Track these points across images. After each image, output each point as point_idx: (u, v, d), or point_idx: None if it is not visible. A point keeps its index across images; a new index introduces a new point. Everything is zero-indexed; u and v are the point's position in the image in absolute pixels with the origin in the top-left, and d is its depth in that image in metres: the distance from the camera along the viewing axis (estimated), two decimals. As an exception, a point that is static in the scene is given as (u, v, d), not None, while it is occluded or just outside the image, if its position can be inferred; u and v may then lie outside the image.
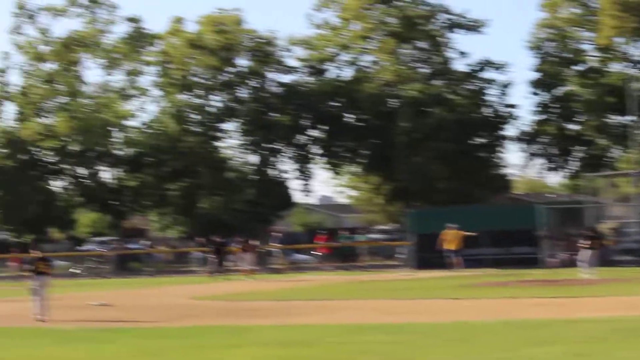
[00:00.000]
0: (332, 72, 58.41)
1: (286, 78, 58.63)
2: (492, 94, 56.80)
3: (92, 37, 58.86)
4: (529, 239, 38.17)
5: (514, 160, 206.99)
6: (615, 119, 54.28)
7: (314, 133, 58.26)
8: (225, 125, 58.98)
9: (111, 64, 59.18)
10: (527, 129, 57.68)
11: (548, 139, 56.90)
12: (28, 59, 59.95)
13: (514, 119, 57.16)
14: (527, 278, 29.33)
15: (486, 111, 56.39)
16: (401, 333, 14.85)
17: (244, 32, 57.11)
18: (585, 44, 56.21)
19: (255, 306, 23.23)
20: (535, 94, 56.94)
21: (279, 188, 58.79)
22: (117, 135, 59.43)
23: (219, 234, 44.72)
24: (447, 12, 55.96)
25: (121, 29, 60.31)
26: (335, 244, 47.93)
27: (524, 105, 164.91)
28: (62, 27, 66.55)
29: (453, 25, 56.17)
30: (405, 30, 54.85)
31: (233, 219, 55.70)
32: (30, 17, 59.00)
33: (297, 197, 62.55)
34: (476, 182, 53.82)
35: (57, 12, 58.85)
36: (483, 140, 56.42)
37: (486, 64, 56.46)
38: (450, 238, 36.21)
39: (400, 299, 23.17)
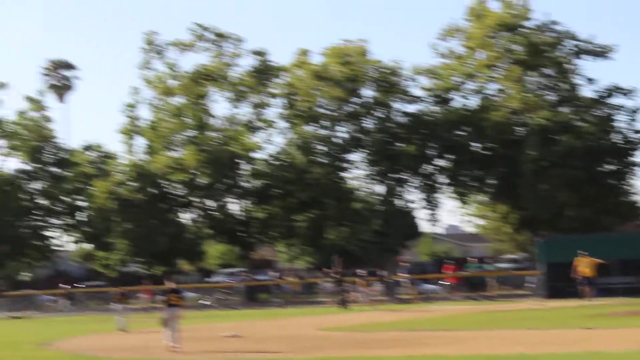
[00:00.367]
0: (458, 101, 60.72)
1: (411, 108, 61.15)
2: (620, 120, 57.97)
3: (219, 71, 62.16)
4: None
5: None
6: None
7: (440, 162, 60.65)
8: (351, 156, 61.54)
9: (238, 97, 62.38)
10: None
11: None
12: (157, 93, 63.71)
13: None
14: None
15: (615, 137, 57.74)
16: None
17: (369, 62, 59.94)
18: None
19: (383, 337, 23.85)
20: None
21: (406, 218, 61.35)
22: (245, 168, 62.51)
23: (344, 264, 46.89)
24: (573, 38, 57.81)
25: (247, 62, 63.15)
26: (463, 273, 49.51)
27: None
28: (190, 62, 70.83)
29: (580, 52, 57.97)
30: (531, 57, 56.97)
31: (360, 250, 58.42)
32: (159, 52, 63.00)
33: (424, 226, 65.17)
34: (604, 209, 55.51)
35: (185, 47, 62.54)
36: (612, 167, 57.73)
37: (614, 90, 58.00)
38: (584, 265, 37.80)
39: (531, 329, 23.43)
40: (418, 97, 60.73)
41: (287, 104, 61.90)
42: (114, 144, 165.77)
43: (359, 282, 46.50)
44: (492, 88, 60.25)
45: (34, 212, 70.76)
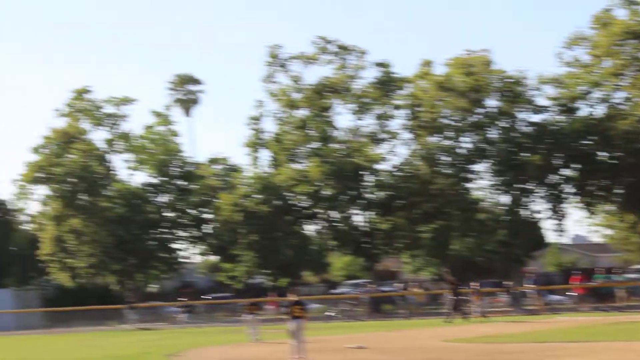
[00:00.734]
0: (584, 109, 61.52)
1: (536, 117, 62.25)
2: None
3: (342, 83, 64.67)
4: None
5: None
6: None
7: (567, 172, 61.89)
8: (476, 167, 63.13)
9: (361, 109, 64.81)
10: None
11: None
12: (281, 106, 66.65)
13: None
14: None
15: None
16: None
17: (492, 72, 61.53)
18: None
19: (510, 349, 24.32)
20: None
21: (531, 228, 63.10)
22: (369, 179, 64.73)
23: (468, 275, 48.96)
24: None
25: (370, 74, 65.39)
26: (591, 284, 49.97)
27: None
28: (313, 74, 73.68)
29: None
30: (659, 64, 57.55)
31: (485, 260, 60.50)
32: (283, 65, 66.03)
33: (550, 237, 66.66)
34: None
35: (308, 59, 65.47)
36: None
37: None
38: None
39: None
40: (543, 107, 61.86)
41: (410, 115, 63.99)
42: (239, 156, 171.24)
43: (473, 294, 47.99)
44: (619, 96, 60.86)
45: (161, 224, 74.91)
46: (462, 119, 62.55)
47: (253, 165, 69.02)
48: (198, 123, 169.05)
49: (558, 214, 62.12)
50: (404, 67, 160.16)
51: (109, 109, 74.98)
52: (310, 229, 69.52)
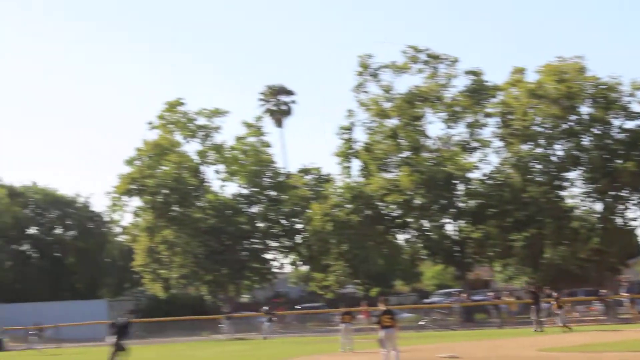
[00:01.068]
0: None
1: (631, 123, 62.18)
2: None
3: (433, 92, 65.49)
4: None
5: None
6: None
7: None
8: (569, 174, 63.38)
9: (452, 117, 65.62)
10: None
11: None
12: (372, 115, 67.71)
13: None
14: None
15: None
16: None
17: (586, 79, 61.65)
18: None
19: (604, 357, 25.54)
20: None
21: (626, 236, 63.00)
22: (460, 188, 65.68)
23: (563, 284, 49.50)
24: None
25: (462, 82, 66.32)
26: None
27: None
28: (404, 83, 74.59)
29: None
30: None
31: (579, 269, 60.84)
32: (374, 75, 67.13)
33: (645, 244, 66.16)
34: None
35: (399, 69, 66.41)
36: None
37: None
38: None
39: None
40: (637, 113, 61.81)
41: (502, 123, 64.56)
42: (329, 166, 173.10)
43: (554, 304, 48.37)
44: None
45: (253, 235, 76.82)
46: (555, 127, 62.76)
47: (344, 174, 70.10)
48: (289, 133, 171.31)
49: (654, 221, 61.87)
50: (495, 74, 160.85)
51: (201, 121, 77.18)
52: (401, 238, 70.38)
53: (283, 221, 76.98)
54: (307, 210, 71.26)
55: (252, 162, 76.69)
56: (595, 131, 62.40)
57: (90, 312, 74.54)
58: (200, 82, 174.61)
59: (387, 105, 67.24)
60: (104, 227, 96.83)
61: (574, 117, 62.71)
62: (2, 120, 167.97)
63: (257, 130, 77.79)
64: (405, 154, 67.41)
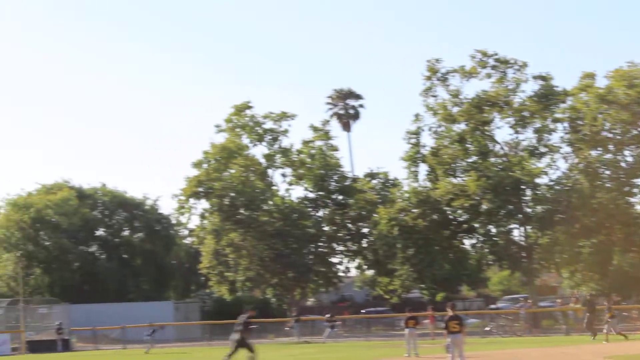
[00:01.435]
0: None
1: None
2: None
3: (501, 96, 65.61)
4: None
5: None
6: None
7: None
8: (638, 180, 63.25)
9: (521, 122, 65.64)
10: None
11: None
12: (439, 120, 68.12)
13: None
14: None
15: None
16: None
17: None
18: None
19: None
20: None
21: None
22: (527, 193, 65.63)
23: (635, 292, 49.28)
24: None
25: (530, 87, 66.63)
26: None
27: None
28: (472, 88, 74.63)
29: None
30: None
31: None
32: (443, 80, 67.40)
33: None
34: None
35: (467, 73, 66.61)
36: None
37: None
38: None
39: None
40: None
41: (570, 128, 64.63)
42: (396, 170, 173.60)
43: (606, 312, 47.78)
44: None
45: (319, 238, 77.81)
46: (624, 132, 62.81)
47: (410, 179, 70.60)
48: (356, 136, 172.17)
49: None
50: (564, 80, 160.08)
51: (268, 124, 78.32)
52: (467, 243, 70.91)
53: (349, 225, 77.75)
54: (374, 215, 71.83)
55: (319, 166, 77.71)
56: (666, 137, 62.02)
57: (156, 313, 75.68)
58: (268, 86, 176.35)
59: (454, 109, 67.53)
60: (171, 230, 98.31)
61: (644, 123, 62.39)
62: (73, 122, 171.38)
63: (324, 134, 78.75)
64: (473, 158, 67.89)
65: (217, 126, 78.61)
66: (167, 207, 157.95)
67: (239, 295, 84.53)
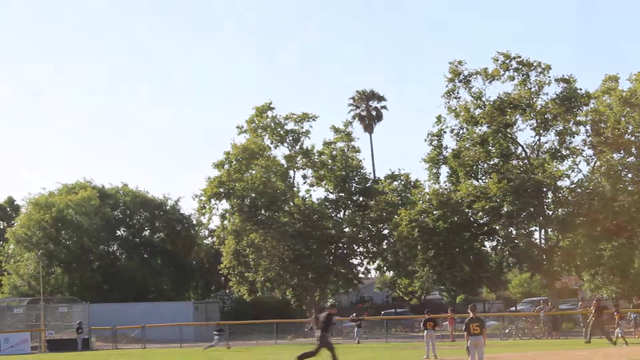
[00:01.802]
0: None
1: None
2: None
3: (524, 99, 65.71)
4: None
5: None
6: None
7: None
8: None
9: (543, 125, 65.66)
10: None
11: None
12: (461, 122, 68.23)
13: None
14: None
15: None
16: None
17: None
18: None
19: None
20: None
21: None
22: (549, 196, 65.67)
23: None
24: None
25: (553, 90, 66.52)
26: None
27: None
28: (494, 90, 74.30)
29: None
30: None
31: None
32: (466, 82, 67.28)
33: None
34: None
35: (490, 75, 66.50)
36: None
37: None
38: None
39: None
40: None
41: (593, 131, 64.64)
42: (417, 172, 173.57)
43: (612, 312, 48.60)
44: None
45: (340, 240, 78.04)
46: (647, 135, 62.64)
47: (432, 180, 70.66)
48: (377, 138, 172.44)
49: None
50: (587, 82, 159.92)
51: (289, 126, 78.79)
52: (488, 245, 70.78)
53: (370, 226, 77.99)
54: (394, 216, 71.86)
55: (340, 167, 77.96)
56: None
57: (176, 313, 76.22)
58: (290, 87, 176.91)
59: (477, 112, 67.68)
60: (192, 230, 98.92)
61: (666, 126, 62.40)
62: (94, 122, 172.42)
63: (345, 135, 78.99)
64: (494, 161, 67.92)
65: (239, 127, 79.12)
66: (188, 207, 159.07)
67: (258, 295, 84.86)
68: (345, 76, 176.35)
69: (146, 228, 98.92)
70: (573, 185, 65.58)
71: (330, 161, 78.50)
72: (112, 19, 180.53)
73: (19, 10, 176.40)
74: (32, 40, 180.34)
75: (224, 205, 79.49)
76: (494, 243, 69.56)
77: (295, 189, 79.80)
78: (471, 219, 68.26)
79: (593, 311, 46.99)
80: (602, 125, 63.92)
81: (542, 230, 67.07)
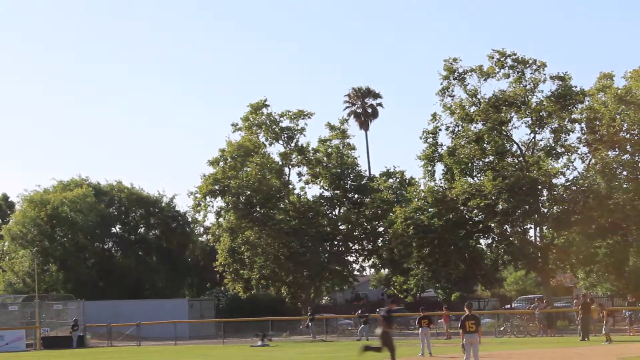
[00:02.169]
0: None
1: None
2: None
3: (519, 96, 65.43)
4: None
5: None
6: None
7: None
8: None
9: (538, 122, 65.50)
10: None
11: None
12: (456, 119, 67.84)
13: None
14: None
15: None
16: None
17: None
18: None
19: None
20: None
21: None
22: (544, 193, 65.68)
23: None
24: None
25: (548, 87, 67.42)
26: None
27: None
28: (489, 88, 74.15)
29: None
30: None
31: None
32: (461, 79, 66.96)
33: None
34: None
35: (485, 73, 66.16)
36: None
37: None
38: None
39: None
40: None
41: (588, 128, 64.62)
42: (412, 169, 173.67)
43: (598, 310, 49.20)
44: None
45: (335, 237, 78.17)
46: (641, 133, 62.62)
47: (427, 178, 70.50)
48: (373, 135, 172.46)
49: None
50: (582, 80, 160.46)
51: (285, 123, 78.62)
52: (482, 243, 70.91)
53: (365, 224, 77.92)
54: (390, 214, 71.88)
55: (335, 165, 78.04)
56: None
57: (171, 310, 76.20)
58: (285, 84, 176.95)
59: (472, 109, 67.49)
60: (187, 227, 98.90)
61: (661, 123, 62.39)
62: (89, 120, 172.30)
63: (341, 133, 79.02)
64: (490, 158, 67.91)
65: (234, 124, 79.06)
66: (183, 204, 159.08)
67: (253, 293, 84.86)
68: (341, 73, 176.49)
69: (141, 225, 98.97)
70: (568, 183, 65.58)
71: (325, 158, 78.63)
72: (99, 15, 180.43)
73: (11, 2, 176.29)
74: (33, 40, 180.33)
75: (219, 202, 79.42)
76: (489, 241, 69.78)
77: (290, 186, 79.76)
78: (466, 216, 68.25)
79: (579, 308, 47.12)
80: (597, 122, 63.89)
81: (537, 228, 66.97)
